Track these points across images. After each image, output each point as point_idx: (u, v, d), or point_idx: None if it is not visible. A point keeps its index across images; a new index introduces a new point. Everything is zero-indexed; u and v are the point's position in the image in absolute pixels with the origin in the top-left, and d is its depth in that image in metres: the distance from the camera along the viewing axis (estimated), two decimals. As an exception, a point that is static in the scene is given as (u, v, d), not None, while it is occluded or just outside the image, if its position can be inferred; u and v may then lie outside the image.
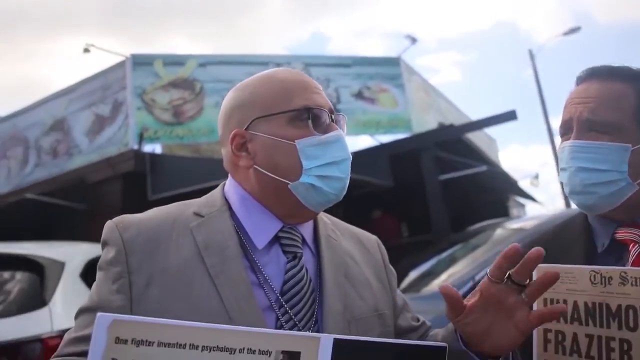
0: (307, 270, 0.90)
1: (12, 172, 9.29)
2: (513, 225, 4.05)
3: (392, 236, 8.08)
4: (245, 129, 0.91)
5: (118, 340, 0.60)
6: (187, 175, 6.96)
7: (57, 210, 7.43)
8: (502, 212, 11.16)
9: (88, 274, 2.73)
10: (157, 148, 8.37)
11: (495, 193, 10.35)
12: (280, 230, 0.91)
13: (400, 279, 4.25)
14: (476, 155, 9.26)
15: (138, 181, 7.29)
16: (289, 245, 0.91)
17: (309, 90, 0.92)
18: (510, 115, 7.43)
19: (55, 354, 0.81)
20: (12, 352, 2.16)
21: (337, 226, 1.04)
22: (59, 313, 2.32)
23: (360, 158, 8.02)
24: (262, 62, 8.80)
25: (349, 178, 0.92)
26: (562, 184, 1.05)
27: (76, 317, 0.85)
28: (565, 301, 0.87)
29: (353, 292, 0.93)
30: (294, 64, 8.93)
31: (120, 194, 7.42)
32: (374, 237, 1.10)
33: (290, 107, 0.89)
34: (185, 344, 0.62)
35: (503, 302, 0.79)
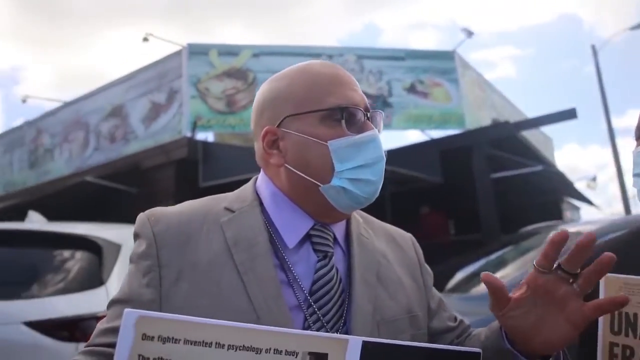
0: (337, 270, 0.87)
1: (74, 155, 9.73)
2: (569, 228, 3.90)
3: (439, 233, 7.96)
4: (277, 126, 0.88)
5: (145, 337, 0.60)
6: (238, 164, 7.08)
7: (113, 193, 7.73)
8: (556, 214, 10.78)
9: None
10: (209, 136, 8.57)
11: (550, 194, 10.01)
12: (312, 229, 0.88)
13: (447, 278, 4.19)
14: (531, 154, 8.98)
15: (190, 168, 7.49)
16: (320, 244, 0.88)
17: (344, 87, 0.88)
18: (569, 114, 7.15)
19: (87, 343, 0.82)
20: (71, 327, 2.27)
21: (370, 224, 1.00)
22: (114, 293, 2.42)
23: (410, 153, 7.95)
24: (314, 53, 8.81)
25: (382, 180, 0.88)
26: (638, 191, 0.99)
27: (108, 307, 0.84)
28: (635, 315, 0.83)
29: (384, 292, 0.89)
30: (347, 56, 8.90)
31: (173, 179, 7.65)
32: (408, 235, 1.05)
33: (324, 106, 0.86)
34: (211, 343, 0.62)
35: (553, 293, 0.74)
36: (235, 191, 0.94)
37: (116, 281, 2.48)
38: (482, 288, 3.31)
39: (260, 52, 8.66)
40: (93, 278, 2.48)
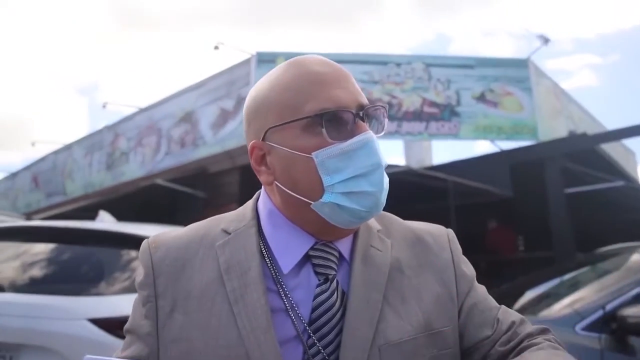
0: (342, 293, 0.78)
1: (146, 159, 10.17)
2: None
3: (507, 249, 7.62)
4: (262, 140, 0.79)
5: None
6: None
7: (181, 196, 8.00)
8: (638, 234, 10.06)
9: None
10: (274, 143, 8.67)
11: (632, 212, 9.34)
12: (312, 249, 0.79)
13: (515, 297, 3.97)
14: (611, 169, 8.43)
15: (254, 174, 7.61)
16: (321, 266, 0.79)
17: (328, 86, 0.76)
18: (655, 126, 6.64)
19: None
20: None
21: (390, 228, 0.88)
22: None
23: (478, 164, 7.70)
24: (381, 61, 8.73)
25: (383, 190, 0.76)
26: None
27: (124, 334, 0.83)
28: None
29: (391, 312, 0.78)
30: (414, 64, 8.74)
31: (238, 184, 7.81)
32: (444, 231, 0.91)
33: (303, 113, 0.75)
34: None
35: None
36: (236, 210, 0.88)
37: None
38: (553, 311, 3.10)
39: (326, 60, 8.69)
40: (154, 279, 2.52)
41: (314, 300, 0.76)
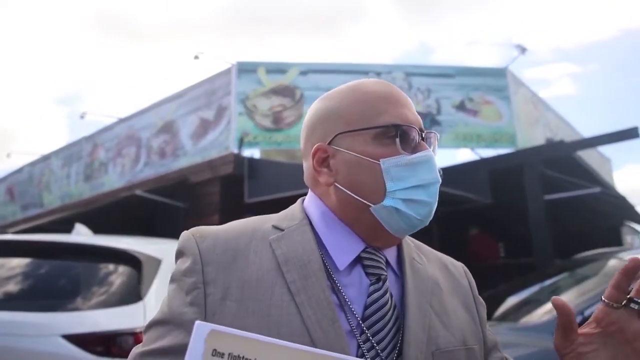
0: (391, 295, 0.82)
1: (126, 169, 10.05)
2: (630, 256, 3.63)
3: (488, 256, 7.67)
4: (328, 144, 0.85)
5: (215, 353, 0.57)
6: (283, 181, 7.09)
7: (161, 207, 7.90)
8: (615, 239, 10.22)
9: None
10: (255, 153, 8.65)
11: (608, 218, 9.51)
12: (363, 252, 0.84)
13: (496, 304, 3.99)
14: (588, 176, 8.56)
15: (236, 184, 7.56)
16: (372, 267, 0.83)
17: (398, 105, 0.84)
18: (630, 133, 6.76)
19: None
20: (108, 342, 2.26)
21: (421, 249, 0.95)
22: (152, 309, 2.40)
23: (458, 172, 7.76)
24: (362, 70, 8.78)
25: (436, 203, 0.83)
26: None
27: (146, 330, 0.80)
28: None
29: (437, 321, 0.83)
30: (395, 73, 8.81)
31: (219, 195, 7.74)
32: (460, 264, 0.99)
33: (377, 123, 0.82)
34: None
35: (625, 331, 0.70)
36: (282, 212, 0.91)
37: (154, 297, 2.47)
38: (534, 317, 3.12)
39: (308, 70, 8.72)
40: (132, 293, 2.48)
41: (368, 297, 0.80)
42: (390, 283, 0.84)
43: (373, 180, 0.81)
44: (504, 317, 3.51)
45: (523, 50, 9.34)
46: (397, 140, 0.81)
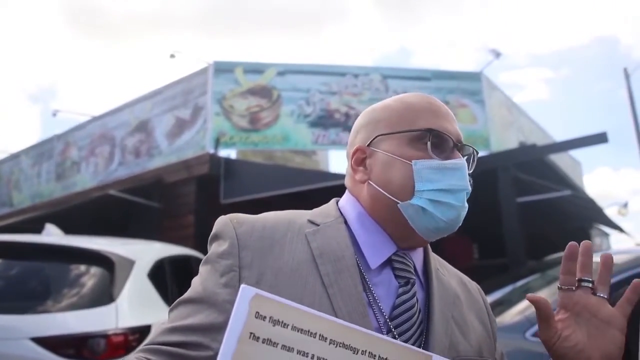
0: (417, 300, 0.85)
1: (99, 168, 9.87)
2: (599, 258, 3.72)
3: (463, 257, 7.78)
4: (368, 145, 0.90)
5: (258, 315, 0.61)
6: (259, 182, 7.06)
7: (135, 207, 7.78)
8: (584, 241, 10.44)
9: (156, 273, 2.79)
10: (232, 153, 8.60)
11: (578, 220, 9.73)
12: (394, 254, 0.87)
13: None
14: (559, 179, 8.75)
15: (212, 184, 7.49)
16: (402, 270, 0.86)
17: (437, 115, 0.88)
18: (599, 138, 6.95)
19: (146, 342, 0.80)
20: (78, 344, 2.22)
21: (443, 265, 0.99)
22: (124, 311, 2.36)
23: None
24: (340, 72, 8.81)
25: (465, 209, 0.87)
26: None
27: (172, 309, 0.82)
28: None
29: (457, 330, 0.87)
30: (372, 75, 8.87)
31: (194, 195, 7.66)
32: (475, 283, 1.04)
33: (413, 127, 0.86)
34: (315, 333, 0.63)
35: (587, 306, 0.78)
36: (315, 209, 0.94)
37: (127, 298, 2.43)
38: (506, 318, 3.17)
39: (285, 70, 8.70)
40: (103, 294, 2.43)
41: (397, 298, 0.83)
42: (417, 289, 0.87)
43: (403, 179, 0.84)
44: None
45: (497, 54, 9.50)
46: (429, 144, 0.85)
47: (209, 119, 8.20)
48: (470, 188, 0.87)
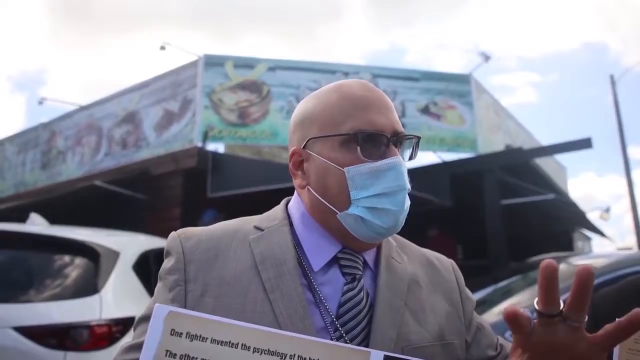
0: (367, 294, 0.84)
1: (85, 158, 9.78)
2: (580, 261, 3.79)
3: (447, 257, 7.84)
4: (303, 147, 0.88)
5: (173, 333, 0.60)
6: (247, 177, 7.05)
7: (121, 199, 7.73)
8: (566, 244, 10.60)
9: (141, 265, 2.79)
10: (220, 147, 8.56)
11: (561, 224, 9.86)
12: (340, 252, 0.86)
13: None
14: (543, 182, 8.85)
15: (199, 178, 7.47)
16: (349, 267, 0.86)
17: (368, 110, 0.84)
18: (584, 143, 7.05)
19: None
20: (61, 334, 2.21)
21: (405, 248, 0.97)
22: (108, 302, 2.36)
23: (420, 175, 7.90)
24: (330, 70, 8.81)
25: (404, 211, 0.84)
26: None
27: (135, 327, 0.83)
28: None
29: (411, 318, 0.85)
30: (362, 74, 8.89)
31: (181, 188, 7.62)
32: (449, 261, 1.02)
33: (342, 130, 0.83)
34: (237, 344, 0.62)
35: (552, 344, 0.61)
36: (267, 212, 0.94)
37: (111, 289, 2.44)
38: (486, 318, 3.21)
39: (275, 66, 8.69)
40: (88, 285, 2.43)
41: (342, 296, 0.82)
42: (367, 283, 0.86)
43: (338, 187, 0.82)
44: (459, 317, 3.60)
45: (487, 57, 9.58)
46: (358, 148, 0.81)
47: (197, 112, 8.17)
48: (408, 185, 0.84)
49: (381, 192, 0.81)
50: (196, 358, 0.60)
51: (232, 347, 0.61)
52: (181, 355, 0.60)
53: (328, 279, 0.84)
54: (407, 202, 0.85)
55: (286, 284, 0.81)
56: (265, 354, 0.62)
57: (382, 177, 0.81)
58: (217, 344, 0.61)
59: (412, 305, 0.87)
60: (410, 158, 0.89)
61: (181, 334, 0.60)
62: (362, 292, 0.83)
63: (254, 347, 0.62)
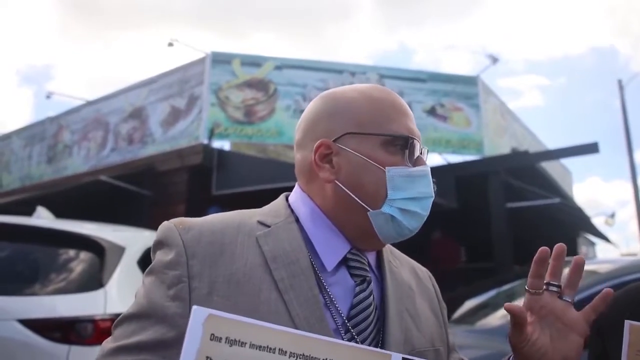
0: (374, 297, 0.84)
1: (91, 153, 9.81)
2: (584, 266, 3.76)
3: (450, 259, 7.82)
4: (333, 141, 0.84)
5: (213, 337, 0.58)
6: (252, 175, 7.05)
7: (126, 194, 7.75)
8: (571, 249, 10.55)
9: (146, 261, 2.80)
10: (225, 145, 8.58)
11: (565, 228, 9.82)
12: (349, 253, 0.85)
13: (455, 306, 4.08)
14: (549, 186, 8.82)
15: (204, 175, 7.48)
16: (357, 269, 0.85)
17: (405, 116, 0.87)
18: (591, 148, 7.01)
19: None
20: (66, 328, 2.22)
21: (394, 254, 0.97)
22: (113, 297, 2.37)
23: (426, 176, 7.88)
24: (337, 69, 8.82)
25: (427, 217, 0.86)
26: None
27: (116, 326, 0.76)
28: None
29: (412, 323, 0.87)
30: (369, 74, 8.88)
31: (186, 185, 7.64)
32: (425, 269, 1.04)
33: (387, 131, 0.83)
34: (275, 349, 0.60)
35: (553, 310, 0.79)
36: (265, 207, 0.90)
37: (116, 284, 2.44)
38: (490, 321, 3.21)
39: (283, 65, 8.69)
40: (93, 280, 2.44)
41: (354, 297, 0.82)
42: (376, 286, 0.87)
43: (376, 185, 0.82)
44: (462, 320, 3.60)
45: (495, 60, 9.57)
46: (407, 151, 0.84)
47: (204, 109, 8.19)
48: (434, 194, 0.87)
49: (415, 196, 0.83)
50: None
51: (270, 352, 0.60)
52: None
53: (337, 280, 0.83)
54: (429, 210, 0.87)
55: (300, 284, 0.78)
56: (300, 358, 0.61)
57: (417, 182, 0.84)
58: (256, 349, 0.59)
59: (411, 311, 0.88)
60: None
61: (221, 339, 0.58)
62: (372, 296, 0.84)
63: (290, 352, 0.61)
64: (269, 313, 0.75)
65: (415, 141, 0.85)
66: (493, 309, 3.50)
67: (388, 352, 0.67)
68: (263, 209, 0.89)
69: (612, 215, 13.98)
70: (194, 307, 0.59)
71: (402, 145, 0.84)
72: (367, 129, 0.84)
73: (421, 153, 0.87)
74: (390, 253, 0.95)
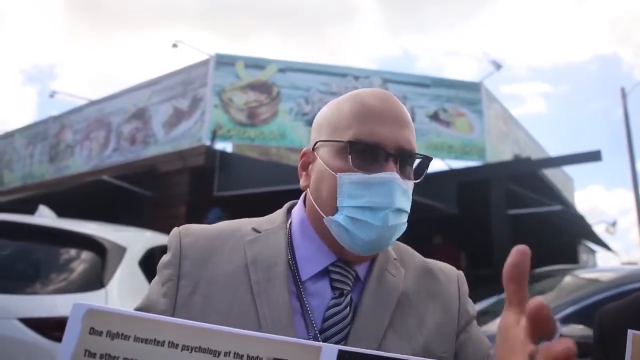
0: (353, 309, 0.82)
1: (93, 153, 9.83)
2: (586, 274, 3.77)
3: (450, 264, 7.82)
4: (312, 150, 0.88)
5: (92, 331, 0.56)
6: (254, 177, 7.06)
7: (128, 194, 7.76)
8: (571, 256, 10.55)
9: (147, 261, 2.80)
10: (228, 147, 8.59)
11: (566, 236, 9.81)
12: (333, 264, 0.84)
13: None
14: (551, 194, 8.83)
15: (206, 176, 7.49)
16: (339, 281, 0.83)
17: (375, 121, 0.81)
18: (593, 156, 7.02)
19: None
20: (65, 327, 2.22)
21: (405, 259, 0.93)
22: (114, 297, 2.37)
23: (426, 181, 7.90)
24: (340, 73, 8.82)
25: (390, 228, 0.80)
26: None
27: None
28: None
29: (394, 334, 0.82)
30: (373, 79, 8.89)
31: (187, 186, 7.65)
32: (455, 270, 0.97)
33: (342, 137, 0.82)
34: (164, 342, 0.57)
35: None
36: (269, 215, 0.93)
37: (117, 285, 2.44)
38: (490, 328, 3.20)
39: (286, 68, 8.71)
40: (94, 279, 2.44)
41: (326, 310, 0.81)
42: (357, 297, 0.84)
43: (329, 191, 0.82)
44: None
45: (498, 66, 9.56)
46: (349, 157, 0.80)
47: (207, 110, 8.20)
48: (399, 205, 0.80)
49: (366, 205, 0.79)
50: (118, 357, 0.56)
51: (157, 345, 0.57)
52: (101, 354, 0.56)
53: (317, 291, 0.82)
54: (396, 221, 0.81)
55: (273, 288, 0.79)
56: (195, 351, 0.58)
57: (372, 190, 0.79)
58: (141, 342, 0.57)
59: (397, 320, 0.84)
60: (416, 178, 0.86)
61: (101, 332, 0.56)
62: (348, 308, 0.82)
63: (183, 345, 0.57)
64: (241, 314, 0.77)
65: (368, 145, 0.80)
66: (493, 316, 3.49)
67: (318, 343, 0.61)
68: (265, 217, 0.92)
69: (614, 224, 13.95)
70: (74, 303, 0.58)
71: (358, 151, 0.80)
72: (329, 136, 0.85)
73: (396, 162, 0.81)
74: (397, 260, 0.92)
